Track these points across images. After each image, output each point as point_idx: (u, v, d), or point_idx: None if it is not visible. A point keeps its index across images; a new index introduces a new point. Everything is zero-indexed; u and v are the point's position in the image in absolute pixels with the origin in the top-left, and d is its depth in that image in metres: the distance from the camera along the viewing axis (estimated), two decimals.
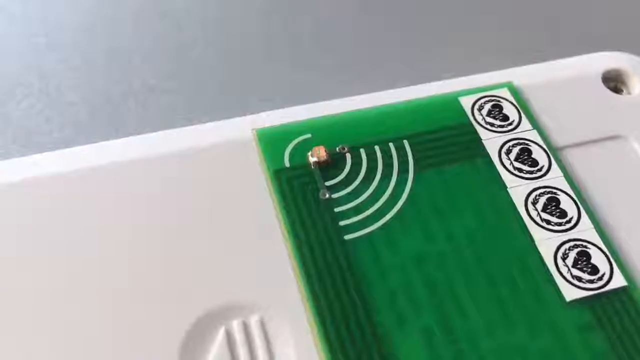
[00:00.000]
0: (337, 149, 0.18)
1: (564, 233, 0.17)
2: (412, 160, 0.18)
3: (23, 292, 0.15)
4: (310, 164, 0.17)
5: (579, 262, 0.16)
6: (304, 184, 0.17)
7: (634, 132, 0.19)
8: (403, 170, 0.17)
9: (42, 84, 0.24)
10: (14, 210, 0.16)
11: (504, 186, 0.17)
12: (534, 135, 0.18)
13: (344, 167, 0.17)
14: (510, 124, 0.18)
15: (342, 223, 0.17)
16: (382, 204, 0.17)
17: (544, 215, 0.17)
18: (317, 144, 0.17)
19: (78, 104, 0.24)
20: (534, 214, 0.17)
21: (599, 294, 0.16)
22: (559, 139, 0.18)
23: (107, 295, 0.15)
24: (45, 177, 0.17)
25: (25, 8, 0.27)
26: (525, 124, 0.18)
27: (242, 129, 0.18)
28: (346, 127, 0.18)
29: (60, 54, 0.25)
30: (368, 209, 0.17)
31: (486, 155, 0.18)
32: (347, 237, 0.16)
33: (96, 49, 0.25)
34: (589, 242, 0.17)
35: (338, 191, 0.17)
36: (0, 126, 0.23)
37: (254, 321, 0.15)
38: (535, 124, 0.18)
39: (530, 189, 0.17)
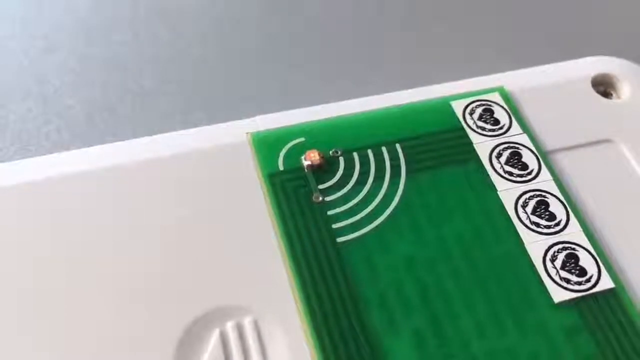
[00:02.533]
0: (331, 152, 0.18)
1: (552, 236, 0.17)
2: (404, 163, 0.18)
3: (20, 293, 0.16)
4: (304, 167, 0.18)
5: (568, 264, 0.16)
6: (298, 187, 0.17)
7: (622, 136, 0.19)
8: (395, 173, 0.18)
9: (40, 87, 0.24)
10: (13, 213, 0.17)
11: (494, 189, 0.18)
12: (524, 139, 0.18)
13: (337, 171, 0.18)
14: (501, 128, 0.19)
15: (334, 226, 0.17)
16: (375, 207, 0.17)
17: (534, 218, 0.17)
18: (311, 148, 0.18)
19: (76, 107, 0.24)
20: (523, 216, 0.17)
21: (586, 295, 0.16)
22: (548, 143, 0.19)
23: (103, 297, 0.16)
24: (43, 180, 0.17)
25: (23, 11, 0.27)
26: (516, 128, 0.19)
27: (237, 132, 0.18)
28: (339, 131, 0.18)
29: (58, 56, 0.25)
30: (360, 212, 0.17)
31: (477, 159, 0.18)
32: (340, 239, 0.17)
33: (94, 52, 0.25)
34: (577, 245, 0.17)
35: (331, 194, 0.17)
36: None
37: (247, 323, 0.16)
38: (526, 128, 0.19)
39: (520, 192, 0.18)
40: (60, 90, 0.24)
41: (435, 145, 0.18)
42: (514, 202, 0.17)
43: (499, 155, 0.18)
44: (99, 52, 0.25)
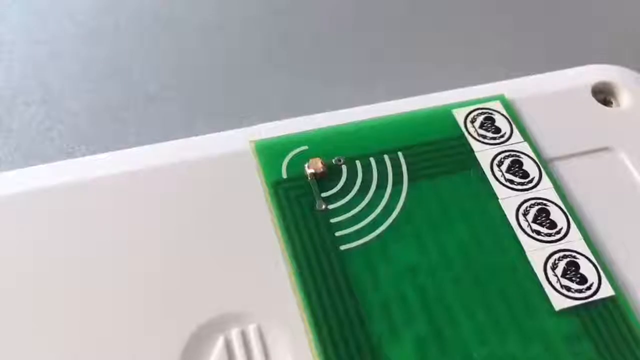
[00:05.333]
0: (333, 160, 0.18)
1: (553, 243, 0.17)
2: (406, 171, 0.18)
3: (25, 302, 0.16)
4: (307, 175, 0.18)
5: (568, 272, 0.17)
6: (301, 195, 0.17)
7: (622, 144, 0.19)
8: (397, 181, 0.18)
9: (44, 93, 0.24)
10: (16, 222, 0.17)
11: (495, 197, 0.18)
12: (525, 147, 0.19)
13: (340, 179, 0.18)
14: (502, 136, 0.19)
15: (337, 234, 0.17)
16: (377, 215, 0.17)
17: (534, 226, 0.17)
18: (314, 156, 0.18)
19: (79, 113, 0.24)
20: (524, 224, 0.17)
21: (587, 303, 0.16)
22: (549, 151, 0.19)
23: (105, 305, 0.16)
24: (46, 189, 0.17)
25: (26, 17, 0.27)
26: (517, 136, 0.19)
27: (240, 140, 0.18)
28: (342, 139, 0.18)
29: (62, 63, 0.25)
30: (363, 220, 0.17)
31: (478, 167, 0.18)
32: (343, 247, 0.17)
33: (97, 58, 0.26)
34: (577, 253, 0.17)
35: (334, 202, 0.17)
36: (2, 135, 0.23)
37: (252, 330, 0.16)
38: (527, 136, 0.19)
39: (521, 200, 0.18)
40: (63, 96, 0.24)
41: (437, 154, 0.18)
42: (515, 210, 0.18)
43: (500, 163, 0.18)
44: (102, 59, 0.26)
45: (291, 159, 0.18)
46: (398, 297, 0.16)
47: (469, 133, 0.19)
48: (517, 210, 0.18)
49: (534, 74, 0.21)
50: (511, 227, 0.17)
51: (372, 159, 0.18)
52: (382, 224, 0.17)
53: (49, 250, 0.16)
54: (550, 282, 0.16)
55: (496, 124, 0.19)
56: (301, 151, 0.18)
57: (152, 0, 0.28)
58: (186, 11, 0.28)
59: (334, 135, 0.19)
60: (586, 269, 0.17)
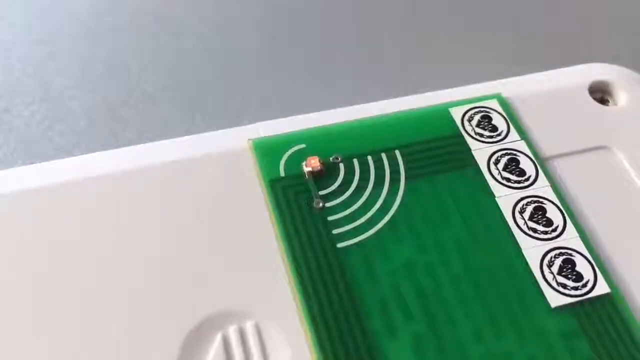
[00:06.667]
0: (331, 159, 0.18)
1: (549, 241, 0.17)
2: (403, 170, 0.18)
3: (24, 300, 0.16)
4: (305, 173, 0.18)
5: (564, 270, 0.17)
6: (299, 193, 0.18)
7: (619, 143, 0.19)
8: (394, 179, 0.18)
9: (44, 92, 0.25)
10: (15, 220, 0.17)
11: (492, 195, 0.18)
12: (521, 146, 0.19)
13: (337, 177, 0.18)
14: (499, 134, 0.19)
15: (335, 231, 0.17)
16: (374, 213, 0.17)
17: (531, 224, 0.17)
18: (311, 154, 0.18)
19: (78, 112, 0.24)
20: (521, 222, 0.17)
21: (583, 300, 0.16)
22: (546, 150, 0.19)
23: (105, 303, 0.16)
24: (44, 187, 0.17)
25: (26, 17, 0.27)
26: (514, 134, 0.19)
27: (238, 139, 0.18)
28: (339, 138, 0.19)
29: (61, 62, 0.26)
30: (360, 217, 0.17)
31: (475, 165, 0.18)
32: (340, 245, 0.17)
33: (96, 57, 0.26)
34: (573, 250, 0.17)
35: (331, 200, 0.17)
36: (2, 134, 0.23)
37: (249, 327, 0.16)
38: (523, 135, 0.19)
39: (518, 198, 0.18)
40: (63, 95, 0.25)
41: (434, 152, 0.19)
42: (511, 208, 0.18)
43: (497, 161, 0.18)
44: (102, 58, 0.26)
45: (289, 157, 0.18)
46: (395, 294, 0.16)
47: (466, 131, 0.19)
48: (514, 208, 0.18)
49: (531, 72, 0.21)
50: (508, 225, 0.17)
51: (369, 157, 0.18)
52: (379, 221, 0.17)
53: (49, 248, 0.16)
54: (546, 280, 0.17)
55: (493, 122, 0.19)
56: (299, 149, 0.18)
57: (152, 0, 0.28)
58: (186, 11, 0.28)
59: (332, 133, 0.19)
60: (582, 266, 0.17)
